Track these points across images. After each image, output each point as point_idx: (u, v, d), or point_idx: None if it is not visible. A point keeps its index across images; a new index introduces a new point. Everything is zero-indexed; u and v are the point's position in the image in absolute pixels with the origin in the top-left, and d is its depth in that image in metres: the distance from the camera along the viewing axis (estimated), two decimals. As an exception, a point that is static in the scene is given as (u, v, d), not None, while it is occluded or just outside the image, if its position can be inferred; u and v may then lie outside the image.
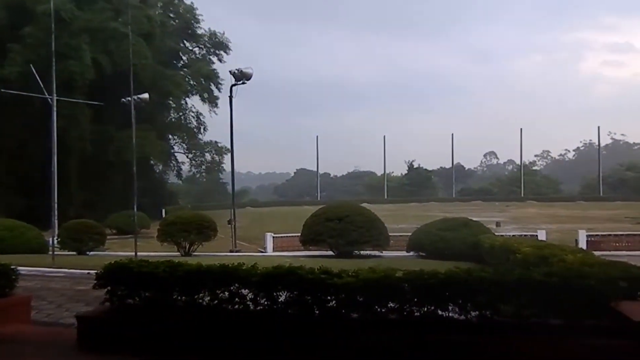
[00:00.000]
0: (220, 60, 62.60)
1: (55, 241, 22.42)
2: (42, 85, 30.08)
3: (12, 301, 7.11)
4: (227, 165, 61.43)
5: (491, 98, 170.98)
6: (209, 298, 5.78)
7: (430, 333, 5.07)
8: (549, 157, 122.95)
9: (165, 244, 22.87)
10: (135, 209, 23.53)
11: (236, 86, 29.63)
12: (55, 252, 19.42)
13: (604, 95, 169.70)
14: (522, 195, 72.78)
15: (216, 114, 60.37)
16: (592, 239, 23.74)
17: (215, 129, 66.52)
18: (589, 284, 5.01)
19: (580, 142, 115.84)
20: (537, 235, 23.22)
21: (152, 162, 56.82)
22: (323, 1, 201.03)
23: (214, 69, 60.16)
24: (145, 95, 29.04)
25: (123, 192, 42.05)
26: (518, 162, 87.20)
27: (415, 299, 5.20)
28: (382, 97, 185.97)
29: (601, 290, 5.00)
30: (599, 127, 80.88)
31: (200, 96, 59.96)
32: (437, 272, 5.27)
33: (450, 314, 5.16)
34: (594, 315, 5.02)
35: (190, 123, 63.61)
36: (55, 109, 26.28)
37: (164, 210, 46.34)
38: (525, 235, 23.33)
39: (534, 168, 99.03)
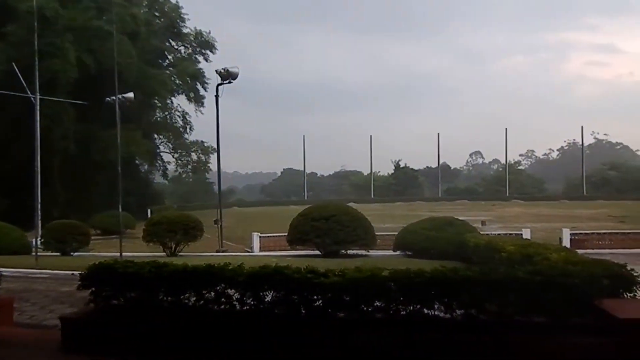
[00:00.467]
0: (206, 59, 62.46)
1: (39, 242, 22.16)
2: (25, 84, 29.74)
3: (-5, 303, 7.02)
4: (213, 165, 61.03)
5: (477, 98, 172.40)
6: (195, 298, 5.75)
7: (416, 332, 5.09)
8: (533, 157, 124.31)
9: (151, 245, 22.68)
10: (120, 209, 23.29)
11: (222, 85, 29.49)
12: (39, 253, 19.19)
13: (588, 95, 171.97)
14: (507, 194, 73.44)
15: (202, 113, 60.29)
16: (576, 237, 24.01)
17: (201, 129, 66.28)
18: (573, 282, 5.07)
19: (565, 141, 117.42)
20: (521, 234, 23.44)
21: (137, 161, 56.42)
22: (311, 1, 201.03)
23: (200, 68, 60.00)
24: (130, 95, 28.75)
25: (108, 192, 41.67)
26: (503, 161, 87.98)
27: (402, 298, 5.22)
28: (370, 97, 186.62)
29: (585, 288, 5.07)
30: (582, 127, 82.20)
31: (186, 95, 59.73)
32: (423, 271, 5.30)
33: (436, 313, 5.19)
34: (578, 313, 5.08)
35: (176, 122, 63.30)
36: (38, 108, 26.05)
37: (149, 210, 45.99)
38: (510, 234, 23.53)
39: (519, 167, 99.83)
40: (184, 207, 52.37)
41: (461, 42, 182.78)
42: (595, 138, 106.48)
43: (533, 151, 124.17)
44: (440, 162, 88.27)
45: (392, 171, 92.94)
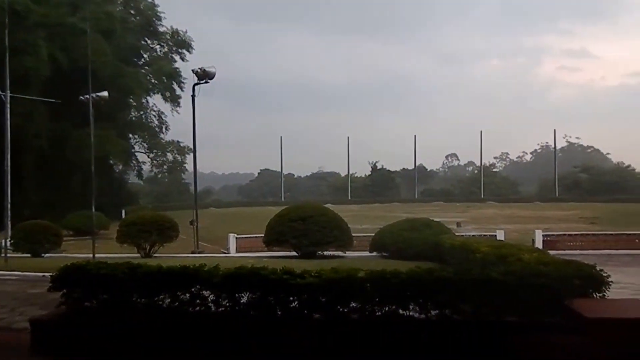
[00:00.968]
0: (182, 59, 61.73)
1: (8, 243, 21.68)
2: (-5, 82, 29.06)
3: (-38, 305, 6.84)
4: (189, 165, 60.38)
5: (453, 100, 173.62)
6: (169, 300, 5.69)
7: (391, 332, 5.13)
8: (507, 159, 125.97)
9: (125, 246, 22.35)
10: (93, 209, 22.92)
11: (199, 85, 29.25)
12: (8, 254, 18.77)
13: (561, 99, 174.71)
14: (482, 196, 74.35)
15: (178, 113, 59.54)
16: (548, 238, 24.45)
17: (177, 129, 65.70)
18: (545, 283, 5.17)
19: (538, 144, 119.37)
20: (496, 235, 23.77)
21: (111, 161, 55.51)
22: (290, 2, 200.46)
23: (176, 68, 59.27)
24: (105, 93, 28.25)
25: (81, 192, 40.87)
26: (478, 164, 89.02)
27: (377, 299, 5.25)
28: (347, 98, 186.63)
29: (556, 288, 5.17)
30: (555, 131, 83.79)
31: (162, 95, 58.97)
32: (398, 272, 5.34)
33: (411, 313, 5.23)
34: (550, 312, 5.18)
35: (151, 122, 62.53)
36: (9, 105, 25.45)
37: (123, 211, 45.29)
38: (484, 235, 23.82)
39: (494, 170, 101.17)
40: (159, 207, 51.62)
41: (439, 44, 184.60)
42: (567, 141, 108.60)
43: (507, 154, 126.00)
44: (417, 164, 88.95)
45: (369, 173, 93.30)
